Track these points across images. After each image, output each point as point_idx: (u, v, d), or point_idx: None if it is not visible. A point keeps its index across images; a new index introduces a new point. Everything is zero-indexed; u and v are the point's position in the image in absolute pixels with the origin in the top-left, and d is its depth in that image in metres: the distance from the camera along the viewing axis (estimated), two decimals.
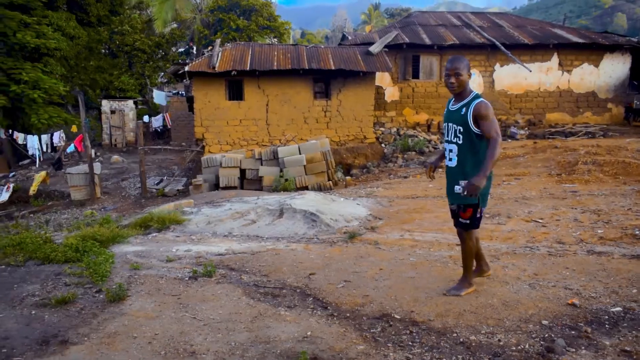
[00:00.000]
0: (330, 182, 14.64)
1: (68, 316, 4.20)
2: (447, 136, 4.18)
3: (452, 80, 4.00)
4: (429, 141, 18.79)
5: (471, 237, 4.21)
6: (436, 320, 3.79)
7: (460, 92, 4.06)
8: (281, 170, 14.41)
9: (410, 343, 3.44)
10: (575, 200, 9.03)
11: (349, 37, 23.43)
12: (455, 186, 4.08)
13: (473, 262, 4.34)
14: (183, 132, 25.31)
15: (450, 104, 4.20)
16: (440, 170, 12.04)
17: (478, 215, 4.15)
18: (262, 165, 14.73)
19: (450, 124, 4.13)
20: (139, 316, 4.12)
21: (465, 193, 3.88)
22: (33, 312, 4.29)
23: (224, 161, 14.60)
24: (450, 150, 4.14)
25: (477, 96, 4.03)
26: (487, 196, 4.18)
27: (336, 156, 16.72)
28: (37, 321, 4.10)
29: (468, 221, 4.14)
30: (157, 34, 31.43)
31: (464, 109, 4.01)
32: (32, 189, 16.15)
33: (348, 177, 15.91)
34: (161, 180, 17.65)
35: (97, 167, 16.46)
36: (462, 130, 4.01)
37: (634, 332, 3.43)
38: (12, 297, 4.65)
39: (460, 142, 4.04)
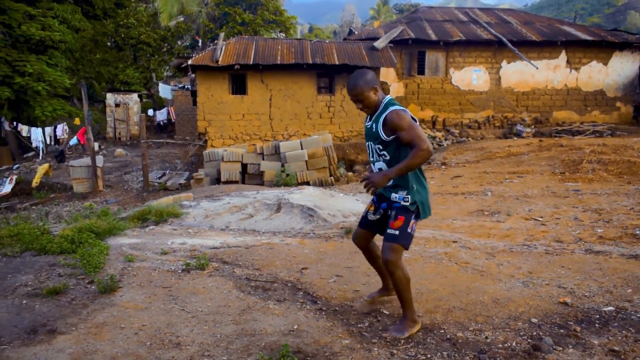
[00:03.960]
0: (332, 177, 14.60)
1: (58, 306, 4.20)
2: (371, 156, 3.69)
3: (360, 106, 3.53)
4: (434, 138, 18.72)
5: (399, 256, 3.46)
6: (425, 316, 3.76)
7: (373, 109, 3.56)
8: (283, 165, 14.39)
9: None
10: (577, 199, 8.96)
11: (355, 32, 23.35)
12: (393, 194, 3.56)
13: (410, 294, 3.54)
14: (187, 126, 25.33)
15: (366, 120, 3.70)
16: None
17: (409, 230, 3.48)
18: (263, 160, 14.72)
19: (370, 143, 3.64)
20: (129, 307, 4.11)
21: (363, 184, 3.45)
22: (24, 301, 4.29)
23: (225, 155, 14.59)
24: (380, 169, 3.59)
25: (386, 107, 3.48)
26: (426, 207, 3.62)
27: (339, 152, 16.68)
28: (28, 311, 4.09)
29: (397, 232, 3.45)
30: (162, 28, 31.44)
31: (374, 125, 3.53)
32: (35, 181, 16.20)
33: (350, 173, 15.87)
34: (164, 174, 17.66)
35: (100, 160, 16.49)
36: (381, 148, 3.53)
37: (623, 331, 3.38)
38: (5, 286, 4.66)
39: (387, 158, 3.53)
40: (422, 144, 3.29)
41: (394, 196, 3.53)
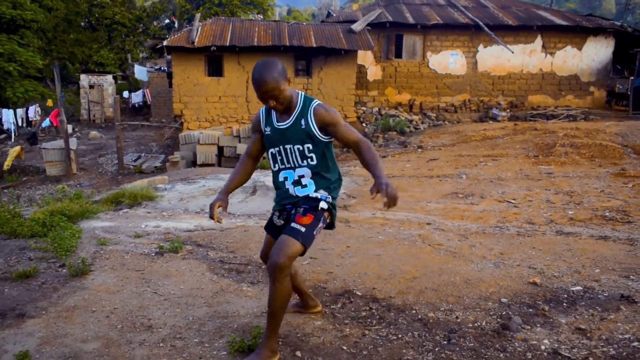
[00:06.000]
0: None
1: (28, 290, 4.14)
2: (289, 162, 2.98)
3: (273, 104, 2.84)
4: (411, 121, 18.78)
5: (292, 261, 2.77)
6: (397, 297, 3.79)
7: (287, 105, 2.91)
8: None
9: (368, 319, 3.43)
10: (550, 181, 9.09)
11: (333, 15, 23.20)
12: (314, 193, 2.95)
13: (283, 315, 2.90)
14: (163, 109, 25.01)
15: (274, 120, 2.98)
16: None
17: (315, 232, 2.85)
18: (240, 142, 14.65)
19: (288, 146, 2.95)
20: (100, 290, 4.07)
21: (385, 198, 2.60)
22: None
23: (201, 138, 14.49)
24: (302, 176, 2.96)
25: (306, 100, 2.94)
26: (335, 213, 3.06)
27: None
28: None
29: (303, 228, 2.80)
30: (138, 8, 30.92)
31: (301, 122, 2.89)
32: (6, 164, 15.88)
33: None
34: (139, 157, 17.46)
35: (73, 143, 16.23)
36: (311, 147, 2.91)
37: (590, 310, 3.45)
38: None
39: (314, 162, 2.94)
40: (362, 136, 2.94)
41: (315, 195, 2.94)
